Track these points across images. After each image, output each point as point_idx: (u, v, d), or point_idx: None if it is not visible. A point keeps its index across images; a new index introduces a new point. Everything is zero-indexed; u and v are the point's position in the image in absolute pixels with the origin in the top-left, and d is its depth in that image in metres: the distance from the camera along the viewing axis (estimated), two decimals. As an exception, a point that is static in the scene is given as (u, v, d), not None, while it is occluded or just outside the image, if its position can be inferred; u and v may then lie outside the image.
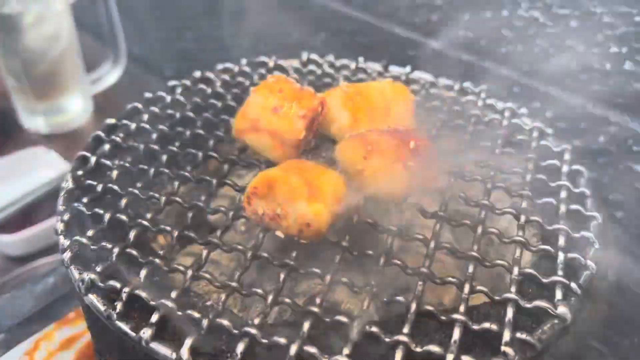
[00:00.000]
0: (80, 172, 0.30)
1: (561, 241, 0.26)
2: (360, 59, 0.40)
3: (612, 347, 0.42)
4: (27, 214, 0.60)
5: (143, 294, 0.23)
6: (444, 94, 0.37)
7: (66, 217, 0.27)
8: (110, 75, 0.80)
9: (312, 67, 0.40)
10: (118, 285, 0.23)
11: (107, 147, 0.31)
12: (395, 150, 0.25)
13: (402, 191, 0.26)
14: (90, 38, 0.88)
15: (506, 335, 0.22)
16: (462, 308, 0.23)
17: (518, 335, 0.22)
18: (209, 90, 0.37)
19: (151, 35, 0.89)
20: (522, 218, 0.27)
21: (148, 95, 0.36)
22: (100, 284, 0.23)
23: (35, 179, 0.63)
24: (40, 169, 0.65)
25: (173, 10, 0.82)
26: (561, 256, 0.25)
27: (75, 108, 0.77)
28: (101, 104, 0.81)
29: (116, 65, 0.80)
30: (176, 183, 0.29)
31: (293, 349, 0.21)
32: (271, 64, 0.40)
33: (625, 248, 0.31)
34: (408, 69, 0.39)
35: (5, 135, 0.75)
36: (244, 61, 0.40)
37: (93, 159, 0.30)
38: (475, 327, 0.22)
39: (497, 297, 0.23)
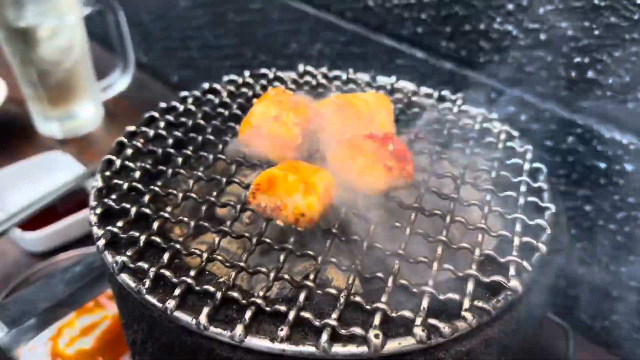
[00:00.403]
0: (107, 173, 0.34)
1: (518, 227, 0.31)
2: (351, 70, 0.45)
3: (560, 315, 0.47)
4: (47, 213, 0.65)
5: (167, 273, 0.28)
6: (424, 101, 0.42)
7: (98, 210, 0.32)
8: (120, 82, 0.84)
9: (307, 78, 0.45)
10: (146, 265, 0.28)
11: (129, 151, 0.36)
12: (376, 152, 0.30)
13: (382, 186, 0.30)
14: (100, 48, 0.92)
15: (466, 303, 0.26)
16: (430, 282, 0.27)
17: (476, 303, 0.27)
18: (217, 100, 0.41)
19: (157, 44, 0.93)
20: (486, 209, 0.32)
21: (163, 105, 0.41)
22: (131, 265, 0.28)
23: (53, 180, 0.68)
24: (58, 172, 0.70)
25: (178, 21, 0.86)
26: (517, 240, 0.30)
27: (87, 114, 0.82)
28: (111, 109, 0.85)
29: (125, 73, 0.84)
30: (191, 181, 0.34)
31: (291, 315, 0.26)
32: (271, 75, 0.45)
33: (575, 234, 0.35)
34: (393, 79, 0.44)
35: (22, 140, 0.80)
36: (247, 73, 0.45)
37: (118, 162, 0.35)
38: (441, 297, 0.27)
39: (460, 274, 0.28)
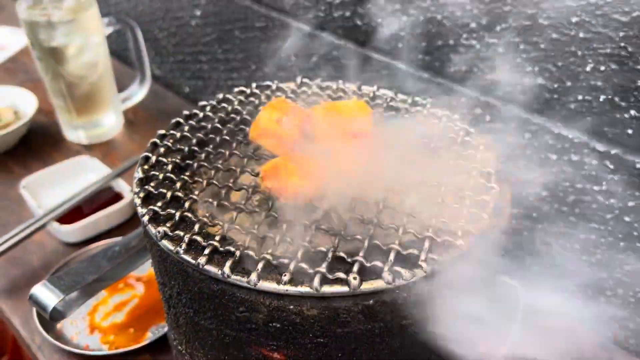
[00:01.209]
0: (145, 167, 0.43)
1: (467, 202, 0.40)
2: (340, 82, 0.54)
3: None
4: (79, 209, 0.74)
5: (198, 238, 0.36)
6: (400, 106, 0.51)
7: (141, 195, 0.41)
8: (138, 94, 0.93)
9: (304, 88, 0.54)
10: (181, 234, 0.37)
11: (161, 149, 0.45)
12: (354, 146, 0.39)
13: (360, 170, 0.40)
14: (119, 63, 1.01)
15: (423, 256, 0.35)
16: (396, 242, 0.36)
17: (430, 256, 0.35)
18: (229, 108, 0.50)
19: (170, 59, 1.02)
20: (443, 189, 0.41)
21: (186, 112, 0.50)
22: (170, 234, 0.37)
23: (83, 180, 0.77)
24: (87, 173, 0.79)
25: (188, 37, 0.95)
26: (465, 211, 0.39)
27: (109, 122, 0.91)
28: (131, 118, 0.95)
29: (142, 85, 0.93)
30: (212, 172, 0.43)
31: (292, 266, 0.34)
32: (274, 86, 0.54)
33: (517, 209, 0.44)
34: (375, 87, 0.53)
35: (52, 147, 0.89)
36: (254, 85, 0.54)
37: (153, 158, 0.44)
38: (404, 252, 0.36)
39: (420, 236, 0.37)
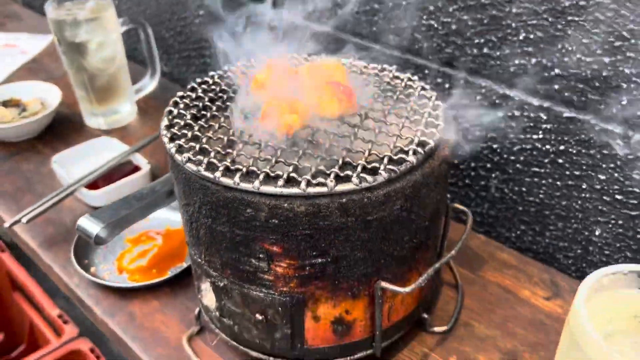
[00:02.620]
0: (170, 117, 0.55)
1: (419, 134, 0.51)
2: (322, 55, 0.66)
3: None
4: (104, 179, 0.86)
5: (214, 161, 0.48)
6: (370, 72, 0.63)
7: (168, 135, 0.53)
8: (149, 85, 1.06)
9: (294, 61, 0.66)
10: (202, 158, 0.49)
11: (181, 105, 0.57)
12: (333, 91, 0.51)
13: (337, 112, 0.52)
14: (129, 61, 1.13)
15: (382, 167, 0.47)
16: (363, 160, 0.48)
17: (388, 167, 0.47)
18: (234, 77, 0.62)
19: (176, 55, 1.15)
20: (401, 124, 0.52)
21: (198, 80, 0.62)
22: (192, 158, 0.49)
23: (106, 156, 0.89)
24: (108, 151, 0.91)
25: (193, 35, 1.07)
26: (417, 139, 0.51)
27: (125, 110, 1.03)
28: (142, 106, 1.06)
29: (153, 78, 1.06)
30: (222, 119, 0.55)
31: (285, 175, 0.46)
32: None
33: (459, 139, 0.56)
34: (352, 59, 0.65)
35: (75, 132, 1.01)
36: (253, 59, 0.66)
37: (175, 111, 0.56)
38: (369, 166, 0.47)
39: (381, 156, 0.49)
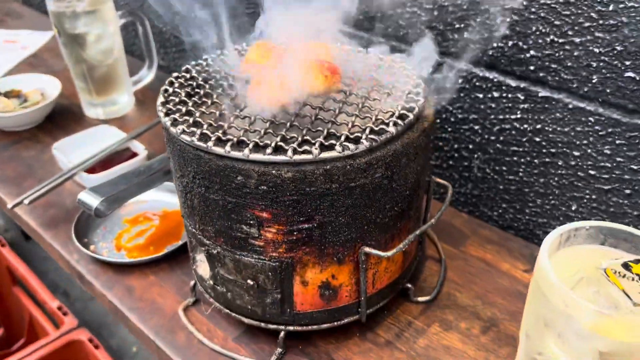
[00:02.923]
0: (165, 95, 0.59)
1: (399, 107, 0.55)
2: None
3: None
4: (103, 164, 0.89)
5: (207, 132, 0.52)
6: (358, 54, 0.66)
7: (163, 110, 0.56)
8: (147, 77, 1.09)
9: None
10: (195, 129, 0.52)
11: (176, 84, 0.61)
12: (319, 68, 0.54)
13: (323, 88, 0.55)
14: (126, 55, 1.17)
15: (364, 137, 0.50)
16: (346, 130, 0.51)
17: (369, 136, 0.50)
18: (227, 60, 0.66)
19: (173, 49, 1.18)
20: (383, 100, 0.56)
21: (192, 62, 0.65)
22: (186, 130, 0.52)
23: (105, 142, 0.92)
24: (107, 138, 0.94)
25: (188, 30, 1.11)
26: (397, 112, 0.54)
27: (123, 101, 1.06)
28: (140, 97, 1.10)
29: (150, 70, 1.09)
30: (215, 95, 0.58)
31: (273, 144, 0.49)
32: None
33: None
34: (339, 44, 0.69)
35: (75, 122, 1.04)
36: (244, 44, 0.69)
37: (170, 89, 0.60)
38: (352, 136, 0.51)
39: (363, 127, 0.52)
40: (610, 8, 0.57)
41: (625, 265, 0.44)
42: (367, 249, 0.55)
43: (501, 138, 0.72)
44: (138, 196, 0.78)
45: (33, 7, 1.53)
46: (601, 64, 0.60)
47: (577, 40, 0.61)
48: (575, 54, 0.61)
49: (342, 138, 0.50)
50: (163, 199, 0.83)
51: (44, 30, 1.38)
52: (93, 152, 0.88)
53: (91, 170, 0.86)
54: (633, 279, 0.43)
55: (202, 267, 0.62)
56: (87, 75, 0.99)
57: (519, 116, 0.69)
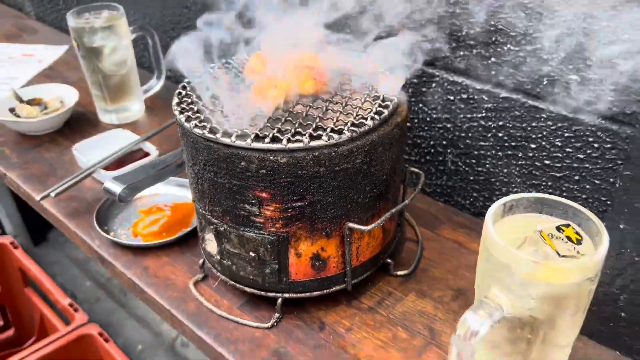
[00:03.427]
0: (179, 97, 0.69)
1: (376, 106, 0.65)
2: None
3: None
4: (118, 164, 0.99)
5: (215, 126, 0.62)
6: (343, 58, 0.77)
7: (178, 109, 0.66)
8: (156, 86, 1.19)
9: (279, 55, 0.80)
10: (205, 124, 0.62)
11: (188, 88, 0.71)
12: (309, 73, 0.65)
13: (312, 90, 0.66)
14: (139, 67, 1.27)
15: (346, 129, 0.61)
16: (331, 124, 0.62)
17: (351, 128, 0.61)
18: (235, 64, 0.76)
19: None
20: (361, 102, 0.66)
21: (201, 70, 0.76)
22: (198, 124, 0.63)
23: (120, 144, 1.03)
24: (122, 139, 1.04)
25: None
26: (373, 112, 0.65)
27: (135, 108, 1.16)
28: (149, 105, 1.20)
29: (159, 80, 1.19)
30: (222, 97, 0.69)
31: (270, 135, 0.60)
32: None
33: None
34: (327, 50, 0.79)
35: (91, 127, 1.15)
36: (248, 54, 0.80)
37: (183, 92, 0.70)
38: (336, 128, 0.61)
39: (345, 121, 0.62)
40: (554, 21, 0.68)
41: (558, 229, 0.54)
42: (350, 224, 0.65)
43: (470, 134, 0.83)
44: (151, 189, 0.89)
45: (47, 23, 1.64)
46: (549, 68, 0.71)
47: (529, 48, 0.71)
48: (528, 60, 0.72)
49: (328, 130, 0.61)
50: (173, 193, 0.93)
51: (58, 44, 1.49)
52: (109, 153, 0.98)
53: (107, 168, 0.96)
54: (563, 240, 0.53)
55: (210, 245, 0.72)
56: (103, 84, 1.10)
57: (484, 115, 0.80)
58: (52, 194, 0.88)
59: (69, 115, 1.14)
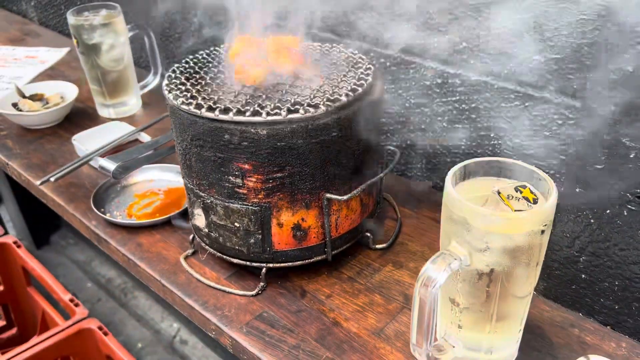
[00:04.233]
0: (169, 78, 0.74)
1: (351, 83, 0.70)
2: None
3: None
4: (116, 150, 1.04)
5: (202, 102, 0.67)
6: (324, 48, 0.82)
7: (167, 89, 0.71)
8: (152, 83, 1.25)
9: (265, 43, 0.85)
10: (192, 101, 0.67)
11: (177, 71, 0.76)
12: (288, 53, 0.70)
13: (292, 68, 0.71)
14: (135, 65, 1.32)
15: (322, 103, 0.66)
16: (308, 100, 0.67)
17: (326, 103, 0.66)
18: (221, 50, 0.82)
19: (175, 59, 1.34)
20: (339, 79, 0.71)
21: (190, 55, 0.81)
22: (185, 101, 0.68)
23: (117, 134, 1.08)
24: (119, 130, 1.09)
25: (189, 39, 1.27)
26: (349, 87, 0.69)
27: (132, 102, 1.21)
28: (146, 100, 1.25)
29: (155, 76, 1.25)
30: (208, 77, 0.73)
31: (251, 109, 0.65)
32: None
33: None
34: (307, 43, 0.84)
35: (89, 120, 1.20)
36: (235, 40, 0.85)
37: (172, 74, 0.75)
38: (313, 103, 0.66)
39: (322, 97, 0.67)
40: (524, 5, 0.72)
41: (516, 189, 0.59)
42: (328, 195, 0.70)
43: (446, 117, 0.88)
44: (147, 175, 0.93)
45: (49, 28, 1.70)
46: (515, 50, 0.75)
47: (496, 32, 0.76)
48: (497, 45, 0.77)
49: (305, 104, 0.66)
50: (167, 179, 0.97)
51: (59, 47, 1.55)
52: (106, 142, 1.03)
53: (105, 156, 1.01)
54: (519, 200, 0.58)
55: (199, 220, 0.76)
56: (101, 79, 1.15)
57: (457, 98, 0.85)
58: (52, 179, 0.92)
59: (69, 109, 1.19)
